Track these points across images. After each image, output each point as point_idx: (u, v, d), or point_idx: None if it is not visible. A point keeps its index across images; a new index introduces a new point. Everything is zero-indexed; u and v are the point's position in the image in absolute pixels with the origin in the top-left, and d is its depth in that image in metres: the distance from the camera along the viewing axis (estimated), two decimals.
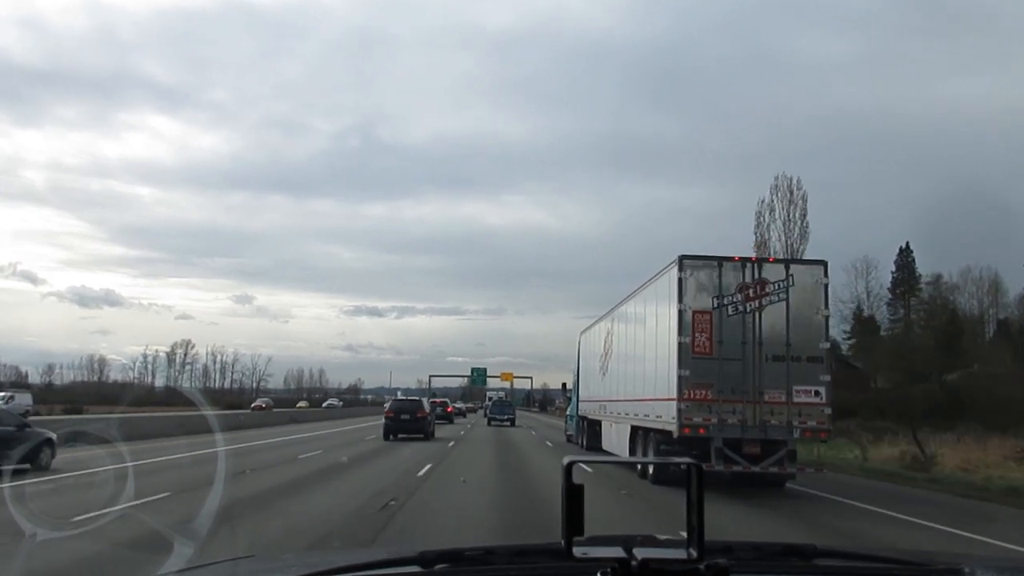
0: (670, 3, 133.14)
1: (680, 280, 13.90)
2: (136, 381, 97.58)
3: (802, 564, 1.86)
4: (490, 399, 66.38)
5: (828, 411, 13.80)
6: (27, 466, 14.99)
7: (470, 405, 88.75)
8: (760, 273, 13.91)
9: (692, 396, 13.60)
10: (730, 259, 14.02)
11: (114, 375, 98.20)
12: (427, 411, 31.05)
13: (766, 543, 1.97)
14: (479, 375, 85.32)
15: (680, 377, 13.70)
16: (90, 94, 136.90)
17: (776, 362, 13.65)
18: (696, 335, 13.74)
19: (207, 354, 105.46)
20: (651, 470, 15.32)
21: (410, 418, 29.41)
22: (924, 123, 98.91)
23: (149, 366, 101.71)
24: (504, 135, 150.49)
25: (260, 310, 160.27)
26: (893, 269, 50.88)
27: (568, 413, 32.78)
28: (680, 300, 13.86)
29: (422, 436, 29.27)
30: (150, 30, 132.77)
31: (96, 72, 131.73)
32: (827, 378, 13.87)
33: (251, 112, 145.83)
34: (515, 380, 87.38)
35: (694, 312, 13.81)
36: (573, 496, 1.47)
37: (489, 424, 48.71)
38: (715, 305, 13.81)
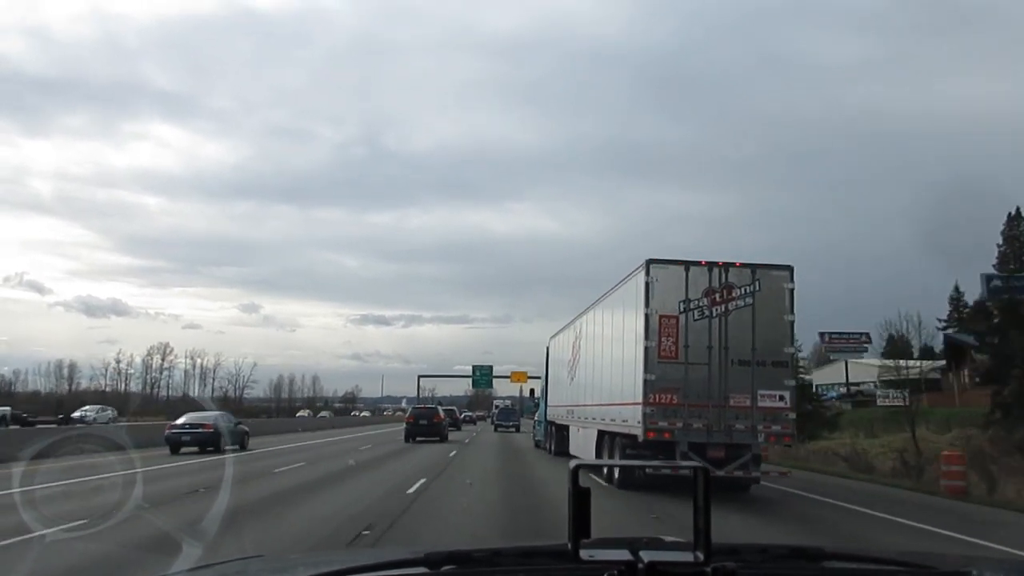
0: (675, 7, 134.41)
1: (647, 284, 13.87)
2: (108, 389, 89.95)
3: (809, 566, 1.87)
4: (497, 407, 66.68)
5: (792, 415, 13.86)
6: (237, 447, 25.95)
7: (480, 413, 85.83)
8: (727, 278, 13.92)
9: (657, 400, 13.56)
10: (697, 263, 14.01)
11: (84, 383, 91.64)
12: (442, 417, 36.51)
13: (773, 545, 1.95)
14: (483, 375, 72.22)
15: (646, 381, 13.65)
16: (96, 103, 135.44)
17: (742, 367, 13.66)
18: (662, 339, 13.71)
19: (186, 359, 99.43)
20: (616, 475, 15.28)
21: (427, 423, 34.47)
22: (930, 123, 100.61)
23: (123, 373, 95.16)
24: (509, 141, 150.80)
25: (267, 319, 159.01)
26: (1000, 242, 46.82)
27: (536, 419, 32.78)
28: (647, 304, 13.82)
29: (438, 439, 33.82)
30: (155, 39, 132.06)
31: (102, 81, 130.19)
32: (792, 383, 13.94)
33: (256, 121, 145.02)
34: (529, 379, 73.56)
35: (660, 316, 13.78)
36: (580, 499, 1.48)
37: (496, 430, 51.44)
38: (682, 309, 13.79)
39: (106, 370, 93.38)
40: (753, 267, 13.99)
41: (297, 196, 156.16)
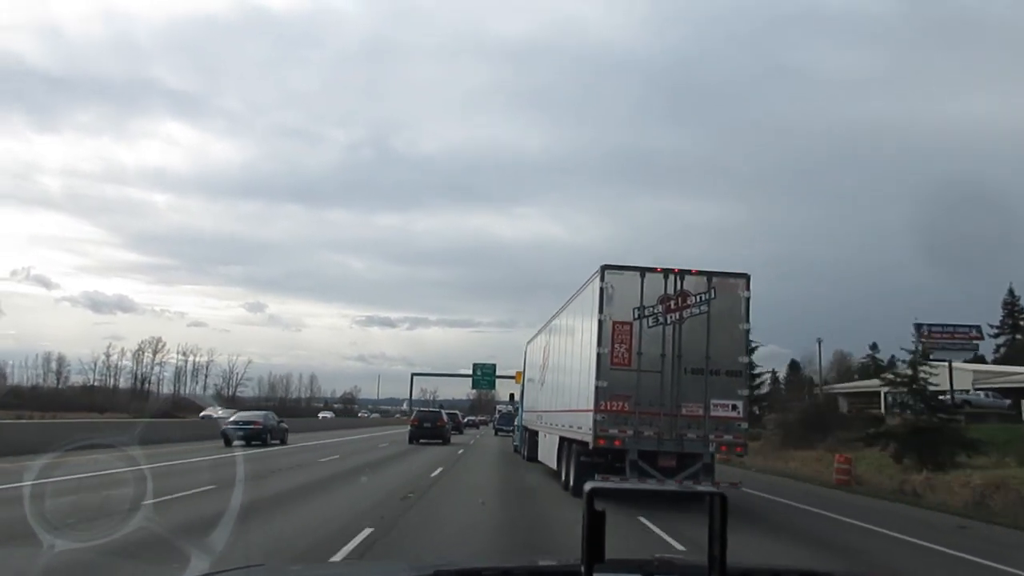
0: (685, 16, 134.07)
1: (602, 290, 13.75)
2: (97, 384, 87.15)
3: None
4: (499, 412, 66.78)
5: (744, 425, 13.73)
6: (278, 442, 30.37)
7: (482, 417, 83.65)
8: (682, 285, 13.79)
9: (608, 408, 13.43)
10: (652, 269, 13.88)
11: (74, 377, 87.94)
12: (445, 420, 38.31)
13: (786, 569, 1.95)
14: (484, 375, 65.60)
15: (597, 388, 13.53)
16: (107, 100, 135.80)
17: (695, 375, 13.52)
18: (615, 346, 13.58)
19: (178, 355, 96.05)
20: (571, 484, 15.16)
21: (431, 426, 35.88)
22: (941, 137, 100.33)
23: (112, 368, 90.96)
24: (517, 146, 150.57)
25: (272, 319, 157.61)
26: None
27: (516, 423, 32.59)
28: (601, 310, 13.71)
29: (440, 441, 35.14)
30: (166, 37, 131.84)
31: (113, 78, 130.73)
32: (745, 392, 13.79)
33: (265, 121, 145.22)
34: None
35: (614, 323, 13.65)
36: (594, 523, 1.45)
37: (496, 434, 52.31)
38: (636, 316, 13.66)
39: (95, 364, 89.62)
40: (709, 275, 13.85)
41: (305, 197, 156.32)
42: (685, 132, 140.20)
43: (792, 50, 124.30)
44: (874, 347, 67.27)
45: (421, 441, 34.65)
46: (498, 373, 66.36)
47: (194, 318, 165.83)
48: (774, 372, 37.07)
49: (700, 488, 1.55)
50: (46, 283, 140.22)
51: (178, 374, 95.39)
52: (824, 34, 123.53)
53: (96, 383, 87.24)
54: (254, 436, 28.70)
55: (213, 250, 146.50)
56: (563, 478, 16.30)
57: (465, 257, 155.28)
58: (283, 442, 31.00)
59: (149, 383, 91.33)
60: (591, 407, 13.61)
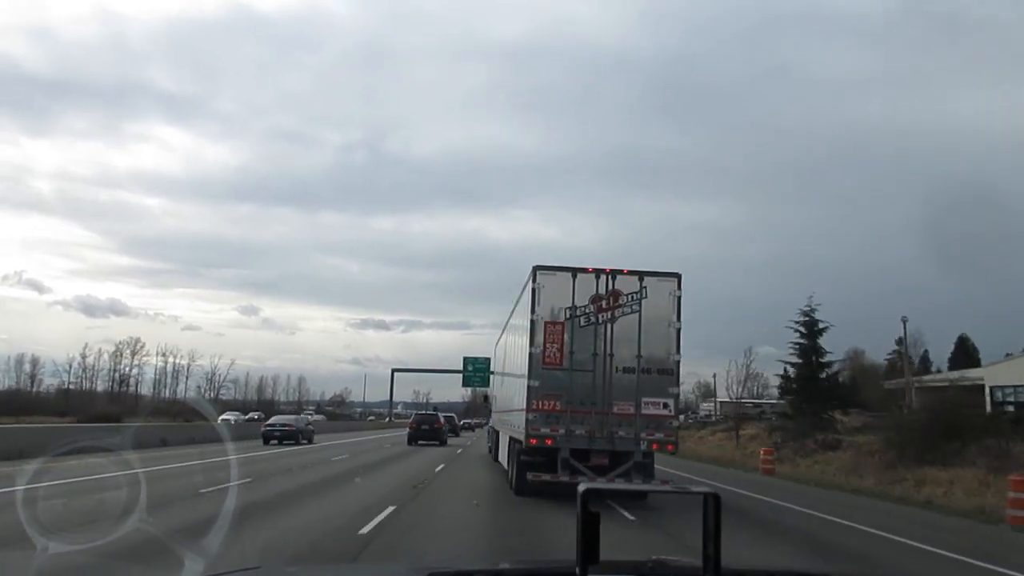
0: (683, 17, 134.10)
1: (533, 291, 13.91)
2: (71, 387, 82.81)
3: None
4: None
5: (676, 423, 13.86)
6: (307, 442, 34.80)
7: (479, 420, 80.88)
8: (614, 284, 13.93)
9: (540, 407, 13.58)
10: (584, 270, 14.03)
11: (48, 380, 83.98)
12: (442, 423, 39.98)
13: (780, 570, 1.99)
14: (476, 371, 55.15)
15: (530, 388, 13.69)
16: (100, 104, 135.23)
17: (626, 373, 13.66)
18: (547, 346, 13.73)
19: (157, 356, 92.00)
20: (514, 482, 15.30)
21: (429, 428, 37.95)
22: (939, 138, 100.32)
23: (89, 371, 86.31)
24: (513, 148, 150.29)
25: (266, 322, 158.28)
26: None
27: (487, 426, 32.91)
28: (533, 311, 13.86)
29: (438, 443, 37.08)
30: (160, 40, 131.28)
31: (106, 82, 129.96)
32: (676, 390, 13.93)
33: (259, 123, 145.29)
34: None
35: (546, 323, 13.80)
36: (589, 524, 1.45)
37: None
38: (568, 316, 13.81)
39: (70, 367, 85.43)
40: (641, 274, 14.00)
41: (299, 199, 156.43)
42: (683, 133, 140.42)
43: (790, 49, 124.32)
44: (900, 342, 66.32)
45: (420, 443, 36.29)
46: (492, 370, 65.50)
47: (188, 322, 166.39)
48: (785, 371, 34.58)
49: (694, 489, 1.53)
50: (38, 287, 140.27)
51: (159, 376, 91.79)
52: (822, 33, 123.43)
53: (71, 386, 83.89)
54: (288, 436, 34.08)
55: (207, 253, 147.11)
56: (509, 476, 16.46)
57: (460, 259, 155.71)
58: (310, 442, 35.54)
59: (127, 385, 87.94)
60: (524, 407, 13.78)
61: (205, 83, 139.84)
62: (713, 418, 62.93)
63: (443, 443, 37.71)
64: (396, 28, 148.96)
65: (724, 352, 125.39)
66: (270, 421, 37.57)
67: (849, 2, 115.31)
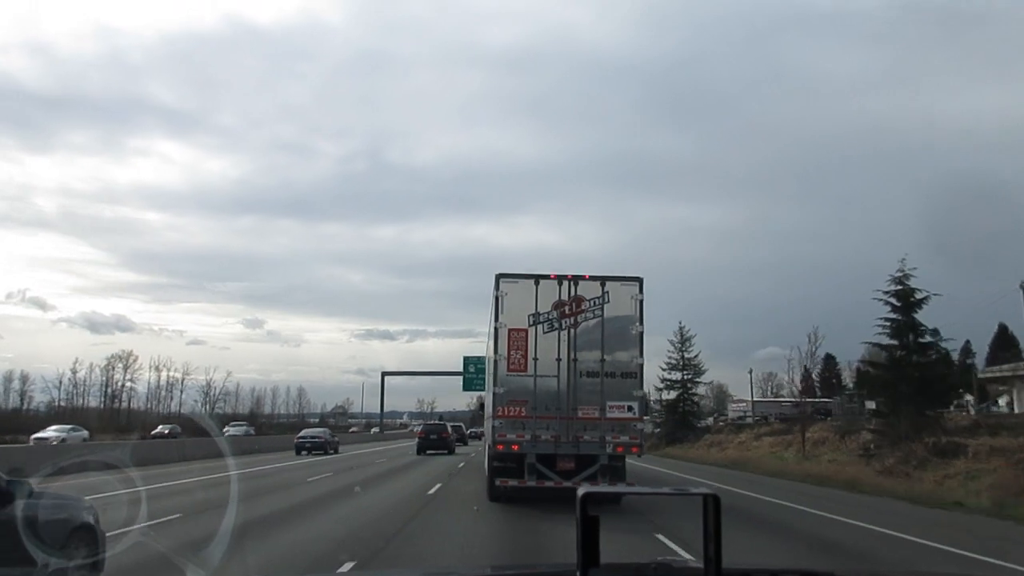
0: (681, 20, 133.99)
1: (496, 299, 14.09)
2: (63, 403, 79.63)
3: None
4: None
5: (640, 426, 14.00)
6: (333, 452, 39.42)
7: (483, 429, 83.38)
8: (576, 290, 14.10)
9: (506, 413, 13.74)
10: (546, 276, 14.20)
11: (38, 396, 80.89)
12: (450, 432, 42.10)
13: (784, 569, 1.95)
14: (480, 372, 48.46)
15: (495, 394, 13.88)
16: (100, 119, 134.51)
17: (590, 378, 13.81)
18: (512, 353, 13.89)
19: (151, 370, 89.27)
20: (488, 487, 15.43)
21: (437, 438, 39.65)
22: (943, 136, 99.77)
23: (80, 386, 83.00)
24: (513, 155, 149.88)
25: (271, 335, 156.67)
26: None
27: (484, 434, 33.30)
28: (496, 318, 14.05)
29: (447, 451, 38.84)
30: (158, 55, 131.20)
31: (106, 97, 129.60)
32: (640, 393, 14.08)
33: (259, 135, 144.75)
34: None
35: (510, 330, 13.97)
36: (588, 527, 1.45)
37: None
38: (531, 323, 13.98)
39: (60, 382, 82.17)
40: (603, 279, 14.16)
41: (301, 211, 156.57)
42: (683, 137, 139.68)
43: (790, 52, 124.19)
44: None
45: (428, 452, 37.84)
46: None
47: (193, 336, 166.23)
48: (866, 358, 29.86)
49: (693, 491, 1.52)
50: (42, 305, 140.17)
51: (152, 390, 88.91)
52: (821, 34, 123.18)
53: (63, 402, 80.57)
54: (318, 447, 39.45)
55: (211, 267, 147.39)
56: (486, 482, 16.62)
57: (463, 267, 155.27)
58: (336, 451, 40.34)
59: (120, 400, 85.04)
60: (491, 413, 13.95)
61: (204, 97, 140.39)
62: (749, 419, 60.88)
63: (451, 452, 38.83)
64: (393, 37, 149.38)
65: (729, 353, 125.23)
66: (301, 434, 42.39)
67: (846, 2, 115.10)
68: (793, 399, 39.21)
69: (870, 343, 29.00)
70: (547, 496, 13.58)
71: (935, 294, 26.72)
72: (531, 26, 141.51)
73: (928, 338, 26.61)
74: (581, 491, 1.49)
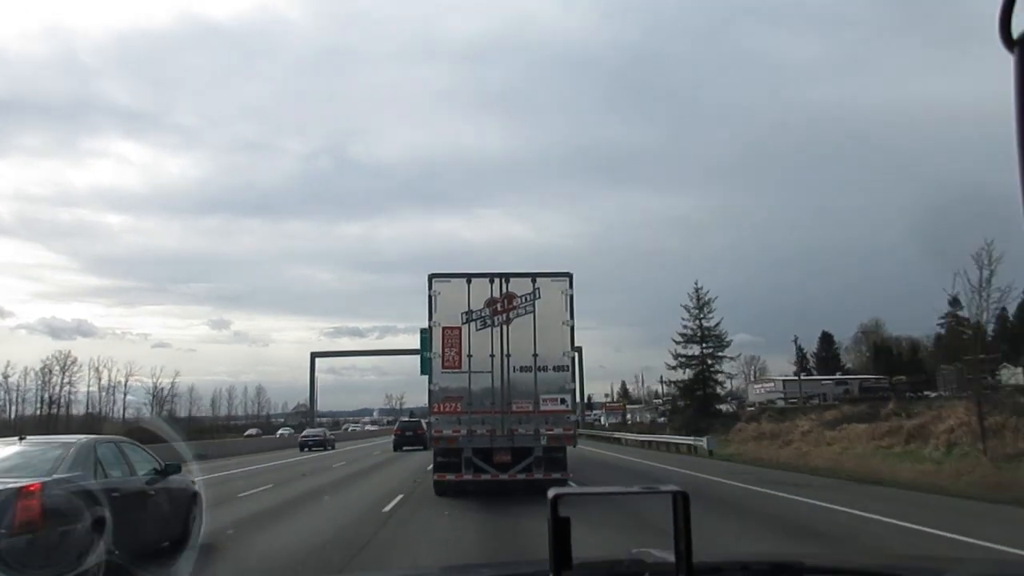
0: (644, 8, 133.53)
1: (430, 298, 14.38)
2: None
3: None
4: None
5: (574, 418, 14.41)
6: (331, 448, 46.08)
7: None
8: (508, 287, 14.45)
9: (442, 409, 14.07)
10: (479, 275, 14.54)
11: None
12: (424, 429, 43.00)
13: (754, 561, 1.98)
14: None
15: (430, 391, 14.21)
16: (54, 121, 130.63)
17: (523, 372, 14.17)
18: (446, 350, 14.22)
19: (90, 371, 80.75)
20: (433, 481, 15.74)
21: (412, 434, 40.78)
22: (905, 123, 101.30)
23: (12, 391, 76.59)
24: (477, 148, 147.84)
25: (238, 335, 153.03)
26: None
27: None
28: (430, 317, 14.35)
29: (422, 447, 39.39)
30: (112, 54, 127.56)
31: (59, 99, 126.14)
32: (573, 385, 14.49)
33: (220, 134, 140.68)
34: None
35: (444, 328, 14.28)
36: (560, 529, 1.44)
37: None
38: (464, 320, 14.30)
39: None
40: (533, 276, 14.54)
41: (265, 210, 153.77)
42: (650, 126, 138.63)
43: (752, 38, 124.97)
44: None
45: (405, 448, 38.85)
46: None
47: (158, 339, 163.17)
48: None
49: (663, 488, 1.51)
50: (0, 312, 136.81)
51: (89, 394, 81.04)
52: (785, 21, 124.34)
53: None
54: (318, 444, 45.74)
55: (174, 269, 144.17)
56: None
57: (431, 261, 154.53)
58: (333, 448, 46.25)
59: (59, 405, 77.38)
60: (428, 410, 14.28)
61: (161, 96, 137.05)
62: (780, 402, 55.08)
63: (427, 447, 38.84)
64: (353, 32, 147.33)
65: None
66: (304, 433, 49.46)
67: None
68: (853, 375, 28.90)
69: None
70: (484, 489, 13.94)
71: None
72: (493, 18, 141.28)
73: None
74: (551, 493, 1.47)
